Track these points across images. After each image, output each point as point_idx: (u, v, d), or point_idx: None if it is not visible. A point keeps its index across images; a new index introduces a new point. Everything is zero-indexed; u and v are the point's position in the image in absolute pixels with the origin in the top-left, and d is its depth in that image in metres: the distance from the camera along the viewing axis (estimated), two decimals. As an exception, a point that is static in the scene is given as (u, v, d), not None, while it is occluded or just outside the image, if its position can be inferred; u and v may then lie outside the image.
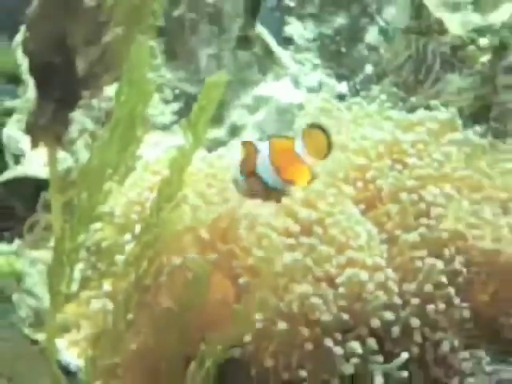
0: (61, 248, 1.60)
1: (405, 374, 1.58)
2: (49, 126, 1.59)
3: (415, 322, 1.60)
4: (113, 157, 1.57)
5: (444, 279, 1.61)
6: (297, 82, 2.11)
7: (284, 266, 1.57)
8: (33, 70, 1.59)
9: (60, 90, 1.59)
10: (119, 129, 1.55)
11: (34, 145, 1.62)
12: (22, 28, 2.02)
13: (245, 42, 2.12)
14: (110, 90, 1.61)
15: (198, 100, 1.61)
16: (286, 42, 2.20)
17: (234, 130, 1.94)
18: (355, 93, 2.12)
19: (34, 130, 1.60)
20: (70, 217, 1.60)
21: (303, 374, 1.58)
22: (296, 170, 1.62)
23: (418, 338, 1.60)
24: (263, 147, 1.62)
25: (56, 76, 1.58)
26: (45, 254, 1.79)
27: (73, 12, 1.56)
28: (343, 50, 2.18)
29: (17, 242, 1.86)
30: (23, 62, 1.96)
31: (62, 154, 1.68)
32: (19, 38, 2.07)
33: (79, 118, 1.70)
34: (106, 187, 1.58)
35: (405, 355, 1.58)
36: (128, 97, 1.55)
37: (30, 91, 1.97)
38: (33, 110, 1.61)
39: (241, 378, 1.62)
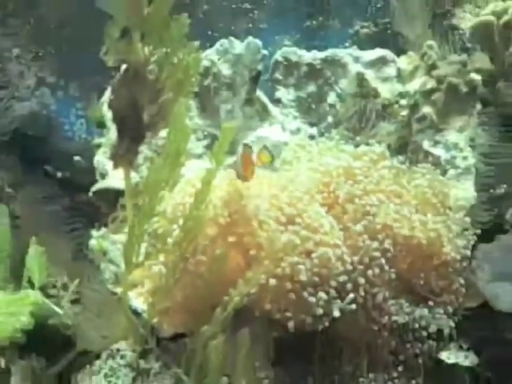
0: (132, 233, 1.62)
1: (353, 306, 1.60)
2: (125, 155, 1.60)
3: (361, 280, 1.62)
4: (165, 175, 1.59)
5: (378, 254, 1.63)
6: (283, 128, 2.12)
7: (280, 243, 1.59)
8: (115, 119, 1.60)
9: (132, 132, 1.60)
10: (170, 157, 1.57)
11: (115, 167, 1.63)
12: (108, 92, 2.04)
13: (249, 101, 2.13)
14: (163, 133, 1.62)
15: (218, 139, 1.63)
16: (276, 101, 2.19)
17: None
18: (321, 134, 2.11)
19: (116, 157, 1.61)
20: (138, 213, 1.62)
21: (289, 314, 1.60)
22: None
23: (361, 291, 1.62)
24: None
25: (130, 123, 1.59)
26: (121, 237, 1.79)
27: (141, 82, 1.58)
28: (313, 106, 2.18)
29: (103, 229, 1.86)
30: (108, 114, 1.98)
31: (133, 174, 1.69)
32: (104, 98, 2.10)
33: (144, 150, 1.72)
34: (160, 194, 1.60)
35: (351, 295, 1.60)
36: (175, 137, 1.57)
37: (112, 133, 1.99)
38: (114, 144, 1.61)
39: (248, 318, 1.63)
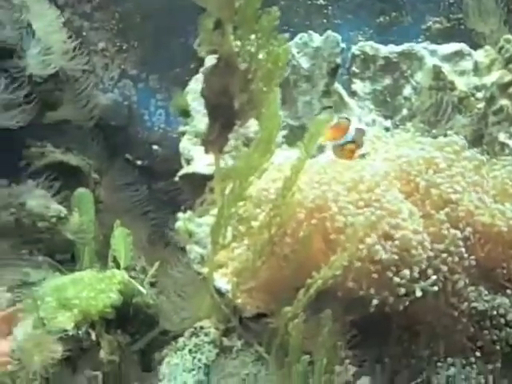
0: (220, 215, 1.64)
1: (435, 288, 1.59)
2: (215, 141, 1.62)
3: (442, 267, 1.61)
4: (256, 161, 1.60)
5: (459, 242, 1.62)
6: (360, 120, 2.11)
7: (359, 225, 1.58)
8: (207, 107, 1.62)
9: (223, 119, 1.61)
10: (261, 144, 1.58)
11: (206, 152, 1.65)
12: (193, 82, 2.07)
13: (327, 93, 2.12)
14: (252, 121, 1.64)
15: (309, 129, 1.63)
16: (353, 94, 2.18)
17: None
18: (395, 127, 2.10)
19: (206, 143, 1.63)
20: (227, 197, 1.64)
21: (372, 291, 1.60)
22: None
23: (441, 277, 1.61)
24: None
25: (221, 111, 1.61)
26: (207, 220, 1.80)
27: (232, 72, 1.59)
28: (388, 99, 2.16)
29: (188, 212, 1.88)
30: (192, 103, 2.00)
31: (222, 159, 1.70)
32: (188, 88, 2.12)
33: (232, 138, 1.73)
34: (250, 179, 1.62)
35: (434, 277, 1.59)
36: (266, 125, 1.58)
37: (197, 121, 2.01)
38: (206, 131, 1.63)
39: (330, 298, 1.63)
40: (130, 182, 2.60)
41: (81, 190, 2.19)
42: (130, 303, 1.94)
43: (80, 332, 1.75)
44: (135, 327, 1.94)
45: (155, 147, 2.71)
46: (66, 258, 2.19)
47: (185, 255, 1.95)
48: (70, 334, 1.73)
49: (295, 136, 2.04)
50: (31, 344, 1.71)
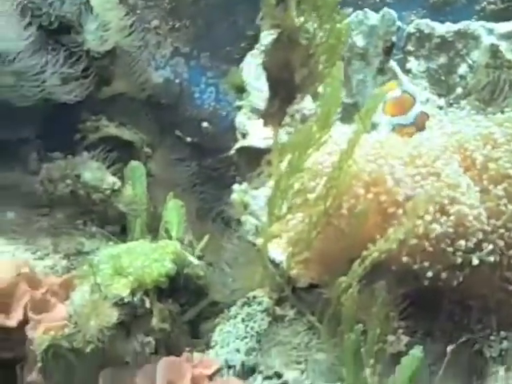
0: (277, 187, 1.67)
1: (491, 259, 1.59)
2: (274, 114, 1.64)
3: (499, 242, 1.61)
4: (315, 134, 1.62)
5: (517, 218, 1.61)
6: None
7: (417, 199, 1.59)
8: (268, 80, 1.64)
9: (284, 92, 1.64)
10: (321, 117, 1.61)
11: (265, 125, 1.68)
12: (249, 58, 2.09)
13: (381, 71, 2.13)
14: (308, 99, 1.66)
15: (365, 104, 1.65)
16: (407, 72, 2.18)
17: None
18: (449, 105, 2.10)
19: (266, 116, 1.66)
20: (285, 169, 1.66)
21: (426, 264, 1.61)
22: None
23: (498, 251, 1.61)
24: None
25: (282, 84, 1.63)
26: (262, 192, 1.83)
27: (294, 46, 1.61)
28: (443, 78, 2.16)
29: (244, 184, 1.90)
30: (247, 79, 2.03)
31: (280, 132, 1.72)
32: (243, 65, 2.14)
33: (291, 111, 1.76)
34: (308, 152, 1.64)
35: (490, 246, 1.59)
36: (327, 99, 1.60)
37: (252, 96, 2.04)
38: (266, 104, 1.66)
39: (384, 271, 1.65)
40: (180, 157, 2.64)
41: (134, 163, 2.22)
42: (181, 274, 1.97)
43: (135, 299, 1.79)
44: (185, 298, 1.97)
45: (205, 124, 2.74)
46: (117, 229, 2.24)
47: (234, 229, 1.99)
48: (126, 300, 1.77)
49: (349, 114, 2.05)
50: (88, 309, 1.75)
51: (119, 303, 1.76)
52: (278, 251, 1.77)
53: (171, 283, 1.90)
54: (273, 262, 1.77)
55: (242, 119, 2.08)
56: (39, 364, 1.74)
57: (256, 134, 1.96)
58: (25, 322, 1.80)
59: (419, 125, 1.66)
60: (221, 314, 1.89)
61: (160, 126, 2.62)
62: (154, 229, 2.17)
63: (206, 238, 2.17)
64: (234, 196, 1.86)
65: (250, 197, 1.85)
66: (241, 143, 2.06)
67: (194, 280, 1.99)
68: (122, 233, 2.22)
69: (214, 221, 2.60)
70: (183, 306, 1.96)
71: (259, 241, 1.80)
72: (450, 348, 1.56)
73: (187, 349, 1.84)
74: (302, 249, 1.69)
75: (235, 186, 1.89)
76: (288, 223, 1.74)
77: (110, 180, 2.18)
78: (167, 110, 2.68)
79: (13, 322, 1.78)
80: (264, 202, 1.76)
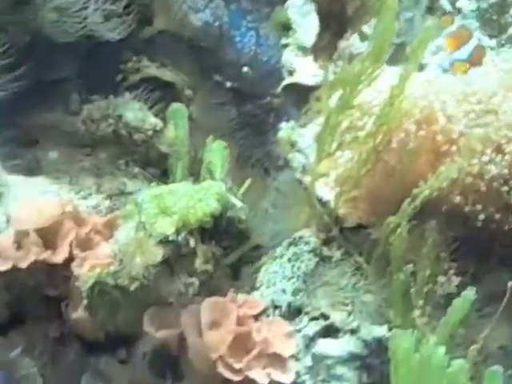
0: (327, 124, 1.65)
1: None
2: (325, 49, 1.61)
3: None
4: (366, 69, 1.59)
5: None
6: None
7: (472, 137, 1.56)
8: (319, 13, 1.61)
9: (335, 25, 1.60)
10: (373, 51, 1.57)
11: (315, 60, 1.65)
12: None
13: (430, 10, 2.08)
14: (365, 27, 1.62)
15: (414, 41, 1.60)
16: (457, 11, 2.13)
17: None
18: (501, 46, 2.05)
19: (316, 51, 1.62)
20: (335, 105, 1.64)
21: (479, 207, 1.59)
22: None
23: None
24: None
25: (333, 18, 1.59)
26: (312, 129, 1.80)
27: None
28: (494, 18, 2.10)
29: (291, 122, 1.87)
30: (294, 16, 1.99)
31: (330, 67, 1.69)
32: (289, 2, 2.10)
33: (341, 46, 1.72)
34: (360, 87, 1.61)
35: None
36: (381, 32, 1.57)
37: (299, 34, 2.00)
38: (316, 38, 1.62)
39: (435, 211, 1.62)
40: (219, 102, 2.61)
41: (176, 105, 2.20)
42: (224, 216, 1.96)
43: (179, 238, 1.78)
44: (227, 241, 1.96)
45: (245, 69, 2.70)
46: (158, 172, 2.23)
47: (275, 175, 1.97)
48: (170, 238, 1.76)
49: (396, 54, 2.00)
50: (133, 246, 1.75)
51: (164, 241, 1.76)
52: (325, 190, 1.75)
53: (214, 225, 1.89)
54: (320, 201, 1.75)
55: (289, 57, 2.04)
56: (84, 301, 1.75)
57: (303, 71, 1.93)
58: (70, 259, 1.81)
59: (475, 60, 1.61)
60: (266, 255, 1.89)
61: (200, 70, 2.59)
62: (194, 173, 2.15)
63: (248, 181, 2.15)
64: (281, 134, 1.83)
65: (297, 135, 1.82)
66: (288, 80, 2.03)
67: (237, 223, 1.98)
68: (163, 175, 2.21)
69: (253, 167, 2.58)
70: (225, 250, 1.95)
71: (307, 179, 1.77)
72: (510, 284, 1.52)
73: (231, 290, 1.83)
74: (351, 187, 1.67)
75: (282, 124, 1.86)
76: (336, 161, 1.72)
77: (152, 121, 2.16)
78: (207, 54, 2.64)
79: (59, 258, 1.79)
80: (312, 140, 1.74)
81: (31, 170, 2.07)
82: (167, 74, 2.37)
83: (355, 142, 1.65)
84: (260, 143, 2.69)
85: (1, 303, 1.84)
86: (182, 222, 1.79)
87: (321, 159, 1.67)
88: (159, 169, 2.23)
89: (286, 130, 1.84)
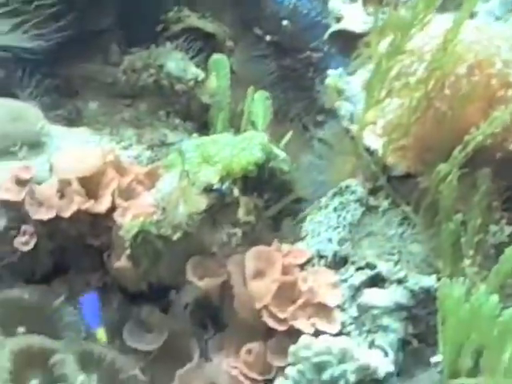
0: (377, 70, 1.62)
1: None
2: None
3: None
4: (418, 13, 1.55)
5: None
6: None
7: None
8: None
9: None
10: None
11: (364, 4, 1.61)
12: None
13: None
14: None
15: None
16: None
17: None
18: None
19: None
20: (386, 50, 1.60)
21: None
22: None
23: None
24: None
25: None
26: (360, 76, 1.77)
27: None
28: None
29: (338, 69, 1.84)
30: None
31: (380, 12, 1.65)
32: None
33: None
34: (411, 32, 1.57)
35: None
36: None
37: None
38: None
39: (487, 158, 1.59)
40: (259, 55, 2.58)
41: (218, 56, 2.19)
42: (266, 167, 1.93)
43: (223, 187, 1.77)
44: (269, 193, 1.94)
45: (285, 23, 2.66)
46: (199, 125, 2.21)
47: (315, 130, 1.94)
48: (214, 187, 1.75)
49: (444, 3, 1.95)
50: (176, 195, 1.74)
51: (207, 190, 1.74)
52: (373, 138, 1.72)
53: (256, 177, 1.87)
54: (368, 149, 1.73)
55: (336, 3, 2.00)
56: (127, 251, 1.75)
57: (351, 17, 1.89)
58: (112, 209, 1.80)
59: None
60: (308, 207, 1.87)
61: (241, 21, 2.55)
62: (234, 126, 2.13)
63: (290, 133, 2.13)
64: (328, 81, 1.80)
65: (345, 82, 1.79)
66: (335, 27, 1.99)
67: (279, 175, 1.96)
68: (203, 128, 2.19)
69: (292, 122, 2.56)
70: (267, 202, 1.94)
71: (354, 128, 1.74)
72: None
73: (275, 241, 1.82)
74: (400, 135, 1.64)
75: (330, 71, 1.82)
76: (385, 108, 1.69)
77: (194, 71, 2.14)
78: (248, 6, 2.60)
79: (101, 207, 1.79)
80: (359, 88, 1.70)
81: (72, 121, 2.06)
82: (208, 25, 2.34)
83: (406, 88, 1.62)
84: (299, 98, 2.66)
85: (44, 252, 1.85)
86: (225, 170, 1.78)
87: (369, 107, 1.64)
88: (199, 122, 2.21)
89: (333, 77, 1.80)
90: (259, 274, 1.72)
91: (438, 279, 1.61)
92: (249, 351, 1.70)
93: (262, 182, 1.89)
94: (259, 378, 1.70)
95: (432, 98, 1.60)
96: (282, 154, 1.96)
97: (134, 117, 2.09)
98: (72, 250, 1.88)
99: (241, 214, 1.82)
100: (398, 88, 1.64)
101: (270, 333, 1.72)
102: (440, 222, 1.59)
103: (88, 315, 1.67)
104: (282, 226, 1.95)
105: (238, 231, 1.79)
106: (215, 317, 1.82)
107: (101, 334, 1.63)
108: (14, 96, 1.98)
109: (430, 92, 1.59)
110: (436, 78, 1.58)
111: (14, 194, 1.80)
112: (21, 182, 1.81)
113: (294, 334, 1.64)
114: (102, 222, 1.82)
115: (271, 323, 1.65)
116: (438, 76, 1.58)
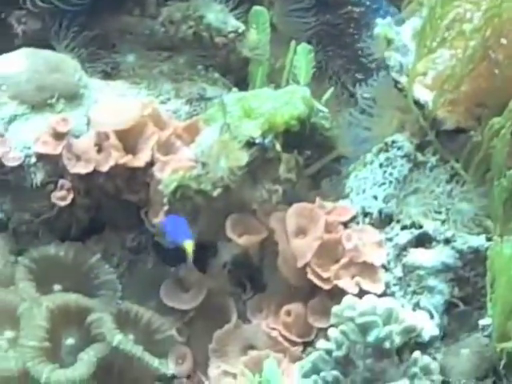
0: (430, 17, 1.56)
1: None
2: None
3: None
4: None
5: None
6: None
7: None
8: None
9: None
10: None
11: None
12: None
13: None
14: None
15: None
16: None
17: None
18: None
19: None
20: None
21: None
22: None
23: None
24: None
25: None
26: (410, 25, 1.70)
27: None
28: None
29: (387, 18, 1.77)
30: None
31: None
32: None
33: None
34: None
35: None
36: None
37: None
38: None
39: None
40: (299, 9, 2.51)
41: (258, 8, 2.13)
42: (308, 123, 1.88)
43: (265, 141, 1.73)
44: (310, 150, 1.89)
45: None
46: (238, 79, 2.17)
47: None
48: (256, 141, 1.71)
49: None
50: (217, 149, 1.70)
51: (249, 144, 1.70)
52: (423, 91, 1.66)
53: (297, 133, 1.83)
54: (416, 102, 1.66)
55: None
56: (165, 207, 1.72)
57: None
58: (151, 163, 1.77)
59: None
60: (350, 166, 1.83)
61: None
62: (273, 81, 2.09)
63: (331, 90, 2.07)
64: (378, 30, 1.74)
65: (394, 32, 1.72)
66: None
67: (320, 131, 1.91)
68: (243, 83, 2.14)
69: (331, 80, 2.50)
70: (307, 160, 1.89)
71: (403, 79, 1.68)
72: None
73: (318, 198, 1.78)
74: (452, 87, 1.58)
75: (378, 20, 1.77)
76: (437, 59, 1.64)
77: (234, 23, 2.09)
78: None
79: (140, 162, 1.76)
80: (409, 38, 1.64)
81: (109, 74, 2.03)
82: (247, -23, 2.27)
83: (460, 37, 1.55)
84: (339, 55, 2.60)
85: (81, 208, 1.83)
86: (268, 124, 1.74)
87: (420, 57, 1.58)
88: (239, 76, 2.17)
89: (382, 26, 1.74)
90: (301, 232, 1.68)
91: (488, 239, 1.57)
92: (288, 312, 1.68)
93: (302, 138, 1.84)
94: (298, 340, 1.68)
95: (488, 48, 1.54)
96: (324, 110, 1.91)
97: (172, 70, 2.05)
98: (108, 207, 1.87)
99: (282, 170, 1.78)
100: (452, 37, 1.58)
101: (310, 294, 1.69)
102: (491, 178, 1.54)
103: (173, 231, 1.65)
104: (322, 185, 1.91)
105: (279, 188, 1.74)
106: (254, 277, 1.79)
107: (189, 246, 1.60)
108: (50, 48, 1.95)
109: (485, 41, 1.52)
110: (493, 26, 1.51)
111: (51, 148, 1.78)
112: (58, 135, 1.79)
113: (336, 295, 1.62)
114: (140, 178, 1.79)
115: (315, 281, 1.61)
116: (495, 24, 1.51)
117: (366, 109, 1.89)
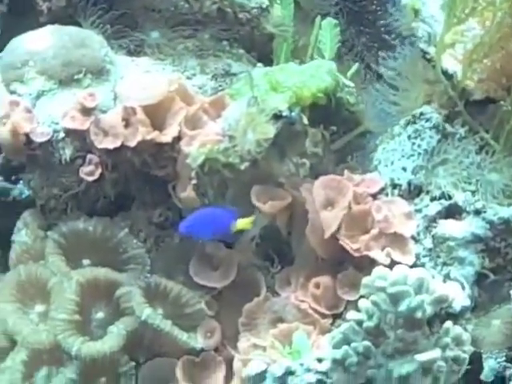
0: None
1: None
2: None
3: None
4: None
5: None
6: None
7: None
8: None
9: None
10: None
11: None
12: None
13: None
14: None
15: None
16: None
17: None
18: None
19: None
20: None
21: None
22: None
23: None
24: None
25: None
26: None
27: None
28: None
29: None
30: None
31: None
32: None
33: None
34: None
35: None
36: None
37: None
38: None
39: None
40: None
41: (281, -16, 2.13)
42: (334, 98, 1.88)
43: (293, 114, 1.73)
44: (336, 125, 1.89)
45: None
46: (263, 55, 2.16)
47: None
48: (284, 114, 1.71)
49: None
50: (245, 122, 1.71)
51: (276, 117, 1.70)
52: (451, 61, 1.65)
53: (323, 107, 1.82)
54: (445, 73, 1.66)
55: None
56: (193, 181, 1.73)
57: None
58: (178, 138, 1.77)
59: None
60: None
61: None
62: (298, 57, 2.08)
63: (356, 66, 2.07)
64: (405, 1, 1.73)
65: (421, 2, 1.71)
66: None
67: (346, 106, 1.91)
68: (267, 59, 2.14)
69: (355, 57, 2.49)
70: (333, 135, 1.89)
71: (431, 50, 1.67)
72: None
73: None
74: (481, 57, 1.57)
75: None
76: (466, 29, 1.62)
77: (258, -1, 2.08)
78: None
79: (168, 137, 1.77)
80: (437, 8, 1.63)
81: (134, 51, 2.03)
82: (271, -48, 2.26)
83: (490, 5, 1.54)
84: (361, 33, 2.58)
85: (108, 183, 1.84)
86: (295, 97, 1.73)
87: (449, 27, 1.57)
88: (263, 52, 2.16)
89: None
90: (330, 204, 1.68)
91: (518, 209, 1.56)
92: (317, 285, 1.68)
93: (328, 113, 1.84)
94: (328, 312, 1.68)
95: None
96: (350, 84, 1.90)
97: (197, 46, 2.05)
98: (135, 182, 1.87)
99: (308, 144, 1.78)
100: (482, 7, 1.56)
101: (338, 266, 1.69)
102: (523, 149, 1.52)
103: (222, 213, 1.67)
104: (348, 160, 1.91)
105: (306, 162, 1.74)
106: (281, 251, 1.80)
107: (240, 224, 1.64)
108: (76, 25, 1.95)
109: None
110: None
111: (79, 123, 1.78)
112: (86, 111, 1.79)
113: (365, 268, 1.62)
114: (168, 153, 1.80)
115: (347, 248, 1.61)
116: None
117: (391, 83, 1.88)
